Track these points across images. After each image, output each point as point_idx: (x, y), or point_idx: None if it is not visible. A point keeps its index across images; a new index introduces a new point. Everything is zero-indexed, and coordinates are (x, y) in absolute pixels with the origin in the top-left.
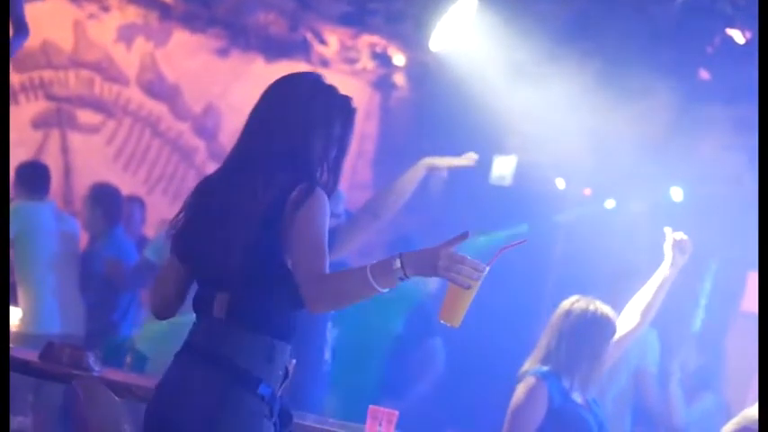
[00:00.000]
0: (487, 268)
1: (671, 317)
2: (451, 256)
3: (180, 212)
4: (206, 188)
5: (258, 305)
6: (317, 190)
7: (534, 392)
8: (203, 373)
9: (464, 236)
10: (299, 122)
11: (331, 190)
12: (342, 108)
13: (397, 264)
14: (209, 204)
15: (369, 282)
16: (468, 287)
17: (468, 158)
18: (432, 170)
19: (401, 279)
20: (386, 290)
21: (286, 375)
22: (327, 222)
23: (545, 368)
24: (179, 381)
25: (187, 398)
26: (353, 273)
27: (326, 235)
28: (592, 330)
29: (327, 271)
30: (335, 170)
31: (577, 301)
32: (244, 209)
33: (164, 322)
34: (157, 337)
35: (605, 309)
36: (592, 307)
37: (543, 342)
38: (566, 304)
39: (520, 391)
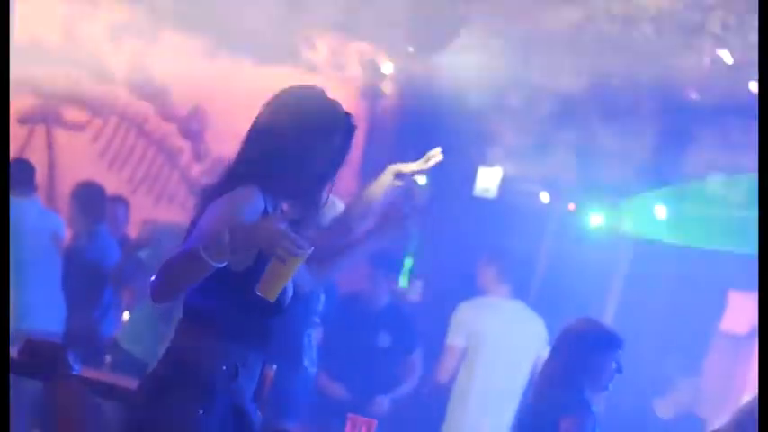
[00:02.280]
0: (311, 249)
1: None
2: (272, 231)
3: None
4: (209, 197)
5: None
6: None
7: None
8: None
9: (284, 213)
10: (301, 137)
11: (324, 202)
12: (344, 125)
13: (225, 235)
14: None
15: (199, 257)
16: (284, 262)
17: (433, 157)
18: (399, 176)
19: (232, 252)
20: (219, 264)
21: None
22: (219, 215)
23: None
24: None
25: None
26: (186, 254)
27: (203, 227)
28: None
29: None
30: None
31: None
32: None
33: (147, 321)
34: (142, 335)
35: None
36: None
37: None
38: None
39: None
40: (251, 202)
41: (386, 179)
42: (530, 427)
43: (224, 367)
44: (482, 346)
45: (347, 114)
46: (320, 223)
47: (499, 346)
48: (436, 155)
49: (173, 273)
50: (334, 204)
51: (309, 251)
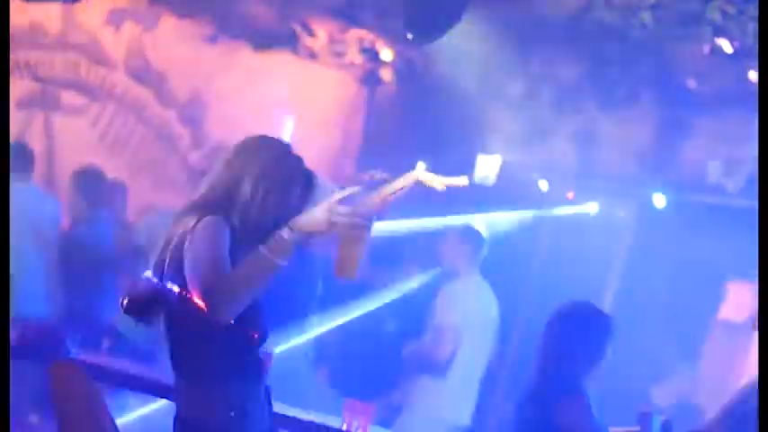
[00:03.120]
0: (374, 218)
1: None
2: (338, 210)
3: None
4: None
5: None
6: (198, 223)
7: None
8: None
9: (352, 191)
10: (260, 184)
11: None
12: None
13: (286, 233)
14: None
15: (268, 260)
16: (359, 238)
17: (461, 181)
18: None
19: (296, 243)
20: (285, 262)
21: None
22: (214, 244)
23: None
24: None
25: None
26: (249, 263)
27: (211, 252)
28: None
29: (219, 276)
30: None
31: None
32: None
33: None
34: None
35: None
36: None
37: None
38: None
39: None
40: (222, 227)
41: (406, 182)
42: (530, 416)
43: (232, 413)
44: (468, 324)
45: (309, 171)
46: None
47: (477, 323)
48: (464, 180)
49: (237, 285)
50: (326, 189)
51: (374, 221)
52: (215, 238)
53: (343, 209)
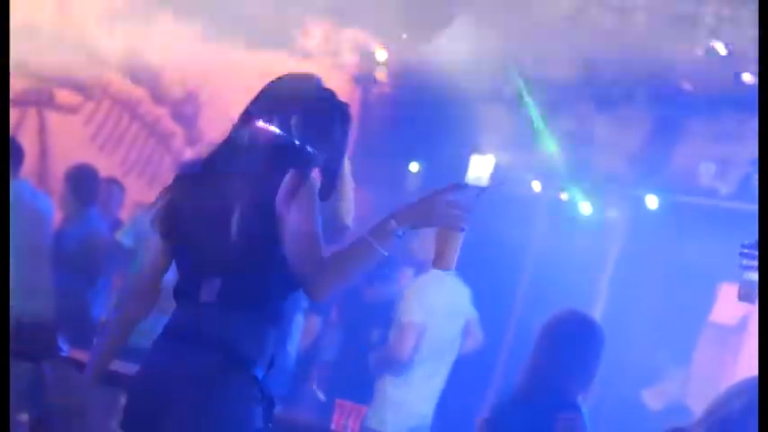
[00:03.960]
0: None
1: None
2: (448, 203)
3: (164, 194)
4: (193, 172)
5: (251, 290)
6: (309, 178)
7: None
8: (195, 358)
9: (457, 186)
10: (298, 125)
11: (327, 194)
12: (341, 115)
13: (393, 224)
14: (198, 189)
15: (373, 248)
16: (463, 230)
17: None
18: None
19: (398, 237)
20: (386, 252)
21: (272, 363)
22: (318, 209)
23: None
24: (167, 368)
25: (179, 385)
26: (354, 247)
27: (319, 221)
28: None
29: (323, 253)
30: (332, 174)
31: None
32: (236, 195)
33: None
34: None
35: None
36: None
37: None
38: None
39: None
40: (316, 189)
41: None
42: (514, 423)
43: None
44: (432, 321)
45: (345, 104)
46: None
47: (443, 319)
48: None
49: (341, 269)
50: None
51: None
52: (315, 206)
53: (452, 202)
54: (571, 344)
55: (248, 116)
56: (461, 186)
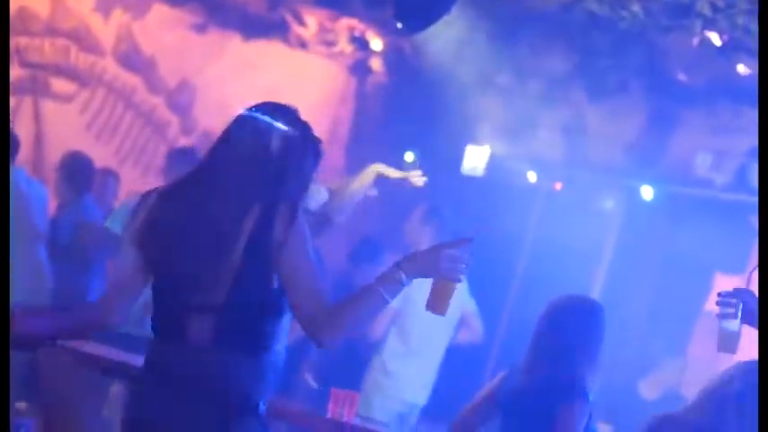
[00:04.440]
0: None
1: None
2: (455, 258)
3: (144, 205)
4: (174, 196)
5: (245, 326)
6: (296, 220)
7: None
8: (199, 403)
9: (467, 241)
10: (277, 154)
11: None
12: (315, 150)
13: (401, 275)
14: (181, 217)
15: (383, 299)
16: (461, 281)
17: (418, 178)
18: (380, 176)
19: (404, 285)
20: (392, 300)
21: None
22: (311, 247)
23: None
24: (168, 408)
25: (184, 429)
26: (363, 297)
27: (316, 261)
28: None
29: (331, 302)
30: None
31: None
32: (225, 232)
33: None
34: None
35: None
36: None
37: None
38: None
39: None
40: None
41: (367, 177)
42: (521, 412)
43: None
44: (412, 309)
45: (317, 139)
46: (307, 209)
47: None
48: (418, 178)
49: (348, 317)
50: (320, 191)
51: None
52: (309, 244)
53: (457, 257)
54: (574, 326)
55: (227, 141)
56: (462, 241)
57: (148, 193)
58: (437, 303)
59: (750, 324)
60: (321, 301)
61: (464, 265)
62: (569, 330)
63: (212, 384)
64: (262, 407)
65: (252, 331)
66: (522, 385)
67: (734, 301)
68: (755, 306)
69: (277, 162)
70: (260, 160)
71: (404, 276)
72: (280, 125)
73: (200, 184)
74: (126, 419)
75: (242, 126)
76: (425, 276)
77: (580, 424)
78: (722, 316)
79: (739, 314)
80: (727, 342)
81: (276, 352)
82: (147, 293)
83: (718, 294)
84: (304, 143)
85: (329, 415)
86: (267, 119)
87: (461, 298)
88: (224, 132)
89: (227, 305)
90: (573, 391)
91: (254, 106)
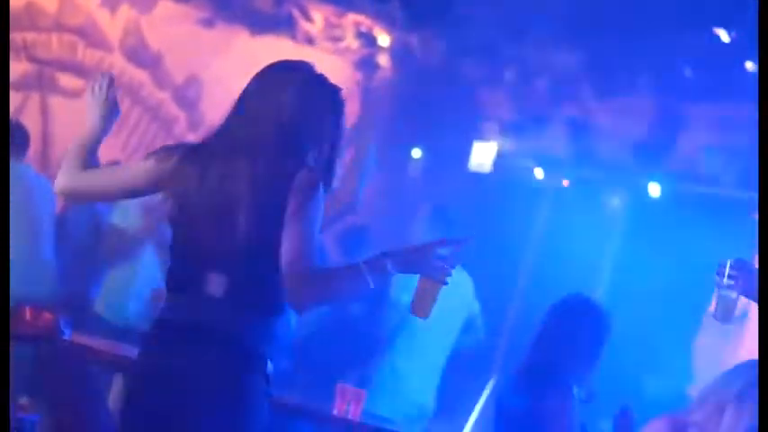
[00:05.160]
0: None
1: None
2: (439, 257)
3: (172, 178)
4: (197, 159)
5: (259, 285)
6: (317, 183)
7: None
8: (207, 356)
9: (448, 240)
10: (291, 114)
11: (327, 186)
12: (332, 101)
13: (388, 264)
14: (204, 178)
15: (365, 281)
16: (446, 283)
17: None
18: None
19: (389, 275)
20: (373, 285)
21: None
22: (320, 217)
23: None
24: (176, 363)
25: (191, 382)
26: (346, 272)
27: (317, 230)
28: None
29: (315, 267)
30: (330, 166)
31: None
32: (243, 191)
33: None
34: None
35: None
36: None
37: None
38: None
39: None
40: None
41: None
42: (513, 411)
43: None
44: None
45: (336, 89)
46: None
47: (437, 309)
48: None
49: (327, 285)
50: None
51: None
52: (320, 211)
53: (438, 256)
54: (571, 327)
55: (244, 102)
56: (451, 241)
57: (174, 148)
58: (421, 304)
59: (748, 296)
60: (305, 263)
61: (450, 268)
62: (562, 330)
63: (222, 337)
64: (270, 366)
65: (263, 290)
66: (516, 385)
67: (734, 272)
68: (755, 278)
69: (292, 122)
70: (274, 122)
71: (390, 266)
72: (291, 83)
73: (219, 146)
74: (135, 375)
75: (253, 86)
76: (412, 272)
77: (568, 423)
78: (721, 284)
79: (737, 285)
80: (724, 310)
81: (287, 316)
82: (154, 285)
83: (720, 264)
84: (320, 98)
85: (335, 411)
86: (279, 77)
87: (467, 299)
88: (242, 94)
89: (241, 263)
90: (560, 390)
91: (266, 67)
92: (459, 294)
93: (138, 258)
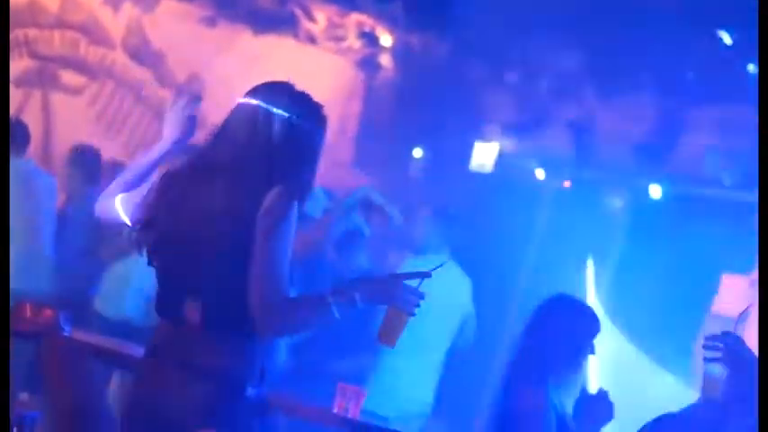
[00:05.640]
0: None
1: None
2: (412, 291)
3: (145, 207)
4: (172, 185)
5: (234, 310)
6: (291, 203)
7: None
8: (186, 383)
9: (426, 275)
10: (272, 137)
11: (301, 204)
12: (315, 119)
13: (356, 295)
14: (177, 204)
15: (331, 313)
16: (414, 315)
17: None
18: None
19: (357, 308)
20: (339, 317)
21: (262, 374)
22: (291, 236)
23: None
24: (160, 394)
25: (172, 411)
26: (313, 303)
27: (289, 252)
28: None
29: (284, 294)
30: (305, 185)
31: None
32: (217, 213)
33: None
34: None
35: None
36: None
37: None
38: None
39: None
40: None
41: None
42: (497, 404)
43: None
44: (421, 308)
45: (318, 106)
46: (306, 213)
47: (436, 308)
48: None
49: (294, 315)
50: (320, 195)
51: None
52: (291, 231)
53: (414, 290)
54: (554, 323)
55: (225, 126)
56: (420, 273)
57: (161, 176)
58: (389, 334)
59: (733, 370)
60: (272, 289)
61: (418, 299)
62: (541, 330)
63: (197, 365)
64: (250, 391)
65: (239, 315)
66: (500, 380)
67: (720, 345)
68: (742, 351)
69: (270, 147)
70: (251, 147)
71: (358, 297)
72: (272, 109)
73: (197, 169)
74: (125, 403)
75: (235, 113)
76: (380, 303)
77: (533, 413)
78: (706, 359)
79: (723, 359)
80: (710, 387)
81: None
82: (151, 284)
83: (705, 338)
84: (302, 118)
85: (335, 410)
86: (260, 104)
87: (464, 299)
88: (223, 121)
89: (217, 288)
90: (532, 381)
91: (249, 91)
92: (457, 294)
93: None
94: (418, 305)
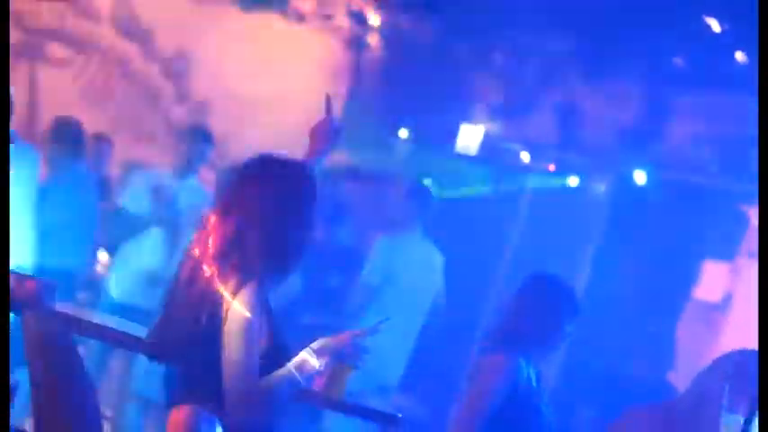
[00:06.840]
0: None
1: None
2: (358, 347)
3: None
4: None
5: (209, 384)
6: (264, 291)
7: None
8: None
9: (375, 330)
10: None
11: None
12: (306, 196)
13: (315, 361)
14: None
15: (299, 383)
16: (358, 367)
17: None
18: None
19: (318, 370)
20: (305, 383)
21: None
22: (255, 322)
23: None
24: None
25: None
26: (283, 381)
27: (254, 338)
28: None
29: (254, 383)
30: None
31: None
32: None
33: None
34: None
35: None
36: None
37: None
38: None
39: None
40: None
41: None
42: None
43: None
44: (393, 286)
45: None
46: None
47: (408, 285)
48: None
49: (267, 398)
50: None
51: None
52: (255, 334)
53: (355, 345)
54: (530, 297)
55: (224, 208)
56: (368, 330)
57: None
58: (334, 387)
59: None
60: (250, 374)
61: (363, 354)
62: (520, 303)
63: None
64: None
65: (216, 391)
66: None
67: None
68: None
69: (261, 225)
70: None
71: (318, 363)
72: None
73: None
74: None
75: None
76: (332, 361)
77: (493, 378)
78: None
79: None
80: None
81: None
82: (152, 263)
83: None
84: (293, 198)
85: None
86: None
87: (435, 276)
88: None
89: (198, 365)
90: (497, 351)
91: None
92: (429, 270)
93: (141, 240)
94: (361, 358)
